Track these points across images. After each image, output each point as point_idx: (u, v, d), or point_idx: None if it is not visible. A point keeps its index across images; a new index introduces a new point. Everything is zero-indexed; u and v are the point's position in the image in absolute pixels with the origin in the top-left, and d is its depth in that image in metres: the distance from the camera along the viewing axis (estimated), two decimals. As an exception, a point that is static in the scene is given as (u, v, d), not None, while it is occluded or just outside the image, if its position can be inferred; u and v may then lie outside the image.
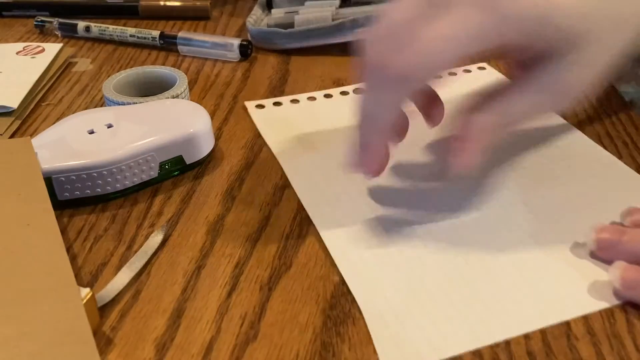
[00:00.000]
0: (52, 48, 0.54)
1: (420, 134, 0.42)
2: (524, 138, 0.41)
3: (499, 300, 0.30)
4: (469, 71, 0.51)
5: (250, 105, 0.47)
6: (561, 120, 0.44)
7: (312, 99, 0.48)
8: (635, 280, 0.29)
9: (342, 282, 0.31)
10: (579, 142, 0.41)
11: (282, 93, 0.49)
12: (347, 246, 0.33)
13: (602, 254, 0.32)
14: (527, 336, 0.28)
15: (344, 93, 0.48)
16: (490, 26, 0.29)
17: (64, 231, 0.35)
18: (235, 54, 0.53)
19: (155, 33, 0.55)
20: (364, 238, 0.34)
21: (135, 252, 0.33)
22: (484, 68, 0.52)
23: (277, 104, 0.47)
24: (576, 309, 0.29)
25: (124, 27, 0.57)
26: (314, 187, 0.38)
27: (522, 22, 0.30)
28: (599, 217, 0.34)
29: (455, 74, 0.51)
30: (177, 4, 0.62)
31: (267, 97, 0.48)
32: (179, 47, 0.55)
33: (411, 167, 0.39)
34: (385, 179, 0.38)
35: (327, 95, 0.48)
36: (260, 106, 0.47)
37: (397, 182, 0.38)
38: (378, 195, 0.37)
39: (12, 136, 0.43)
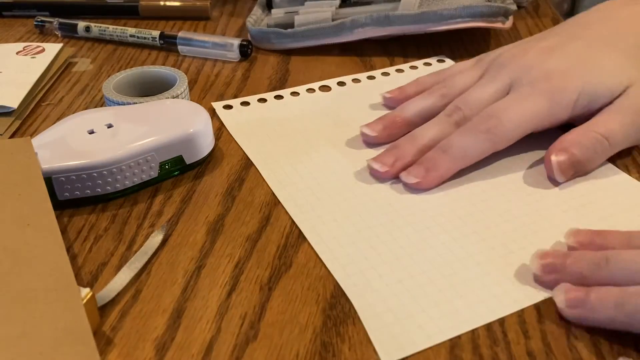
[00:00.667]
0: (52, 48, 0.54)
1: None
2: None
3: (482, 285, 0.31)
4: (429, 64, 0.52)
5: (217, 106, 0.46)
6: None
7: (279, 97, 0.48)
8: (578, 299, 0.29)
9: (342, 282, 0.31)
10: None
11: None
12: (334, 245, 0.34)
13: (547, 279, 0.31)
14: (527, 336, 0.28)
15: (310, 90, 0.49)
16: (554, 110, 0.38)
17: (64, 231, 0.35)
18: (235, 54, 0.53)
19: (155, 33, 0.55)
20: (347, 235, 0.34)
21: (135, 252, 0.33)
22: (443, 60, 0.53)
23: (244, 103, 0.47)
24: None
25: (124, 27, 0.57)
26: (293, 191, 0.38)
27: (577, 102, 0.38)
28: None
29: (416, 67, 0.52)
30: (177, 4, 0.62)
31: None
32: (179, 47, 0.55)
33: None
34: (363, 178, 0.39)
35: (294, 93, 0.48)
36: (228, 107, 0.46)
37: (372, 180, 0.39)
38: (360, 194, 0.37)
39: (12, 136, 0.44)
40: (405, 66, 0.52)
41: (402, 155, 0.38)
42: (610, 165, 0.39)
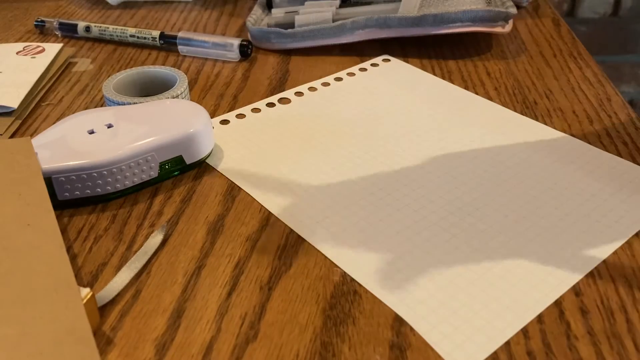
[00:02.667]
0: (52, 48, 0.54)
1: (412, 149, 0.42)
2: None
3: (518, 278, 0.31)
4: (376, 65, 0.52)
5: (214, 122, 0.45)
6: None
7: (271, 104, 0.47)
8: None
9: (342, 282, 0.31)
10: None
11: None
12: (353, 256, 0.33)
13: None
14: (527, 336, 0.28)
15: (298, 93, 0.48)
16: None
17: (64, 231, 0.35)
18: (235, 54, 0.53)
19: (156, 33, 0.55)
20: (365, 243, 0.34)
21: (135, 252, 0.33)
22: (388, 60, 0.53)
23: (240, 115, 0.45)
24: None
25: (124, 27, 0.57)
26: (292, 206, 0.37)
27: None
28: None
29: (365, 69, 0.52)
30: None
31: (262, 98, 0.48)
32: (179, 47, 0.55)
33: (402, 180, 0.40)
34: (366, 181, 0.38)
35: (284, 100, 0.48)
36: (225, 122, 0.45)
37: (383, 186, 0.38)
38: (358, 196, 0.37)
39: (12, 136, 0.44)
40: (354, 69, 0.52)
41: None
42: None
